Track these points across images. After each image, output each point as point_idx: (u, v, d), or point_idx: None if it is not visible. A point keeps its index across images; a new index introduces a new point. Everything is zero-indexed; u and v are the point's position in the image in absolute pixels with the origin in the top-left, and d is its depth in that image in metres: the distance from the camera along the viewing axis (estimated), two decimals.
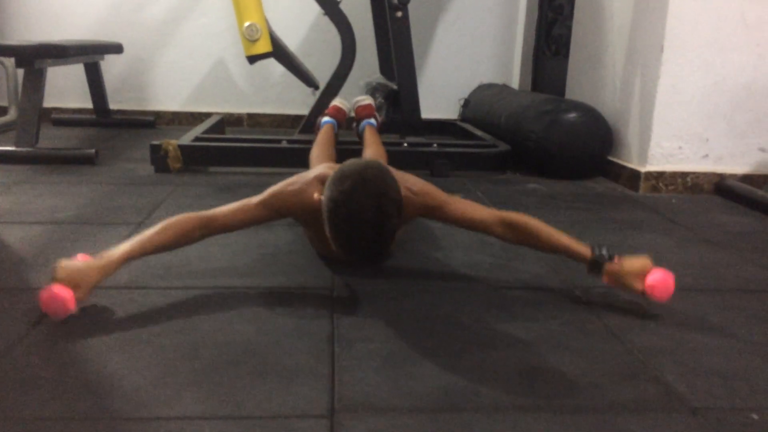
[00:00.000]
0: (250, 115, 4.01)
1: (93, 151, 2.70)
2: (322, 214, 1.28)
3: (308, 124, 2.95)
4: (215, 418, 0.96)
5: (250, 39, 2.76)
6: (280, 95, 3.98)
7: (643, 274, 1.37)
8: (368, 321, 1.31)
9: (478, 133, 3.24)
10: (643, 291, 1.37)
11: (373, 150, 2.24)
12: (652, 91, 2.50)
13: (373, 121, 2.56)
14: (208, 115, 3.89)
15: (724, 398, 1.07)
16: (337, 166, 1.52)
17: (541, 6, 3.85)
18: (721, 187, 2.53)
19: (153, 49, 3.89)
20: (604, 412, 1.01)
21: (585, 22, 3.15)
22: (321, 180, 1.44)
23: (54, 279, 1.23)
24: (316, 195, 1.36)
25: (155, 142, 2.59)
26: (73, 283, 1.23)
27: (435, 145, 2.78)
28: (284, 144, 2.73)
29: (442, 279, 1.56)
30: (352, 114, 2.67)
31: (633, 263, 1.39)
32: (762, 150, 2.57)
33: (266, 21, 2.81)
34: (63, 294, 1.21)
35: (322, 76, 3.15)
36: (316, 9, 3.07)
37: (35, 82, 2.74)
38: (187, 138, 2.75)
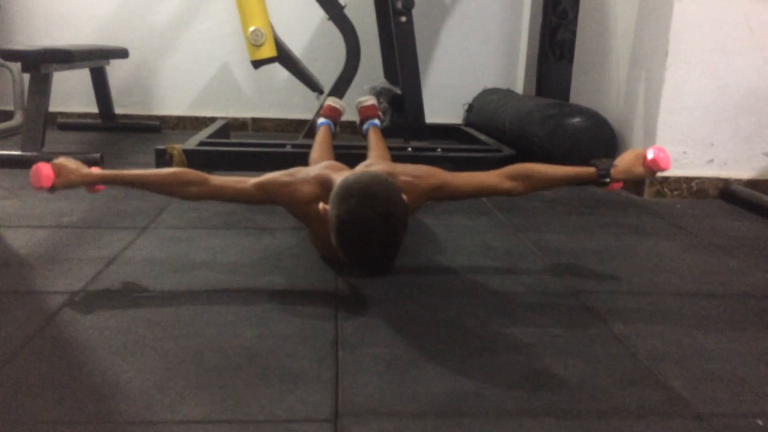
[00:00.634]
0: (255, 120, 4.02)
1: (98, 155, 2.71)
2: (327, 227, 1.30)
3: (313, 129, 2.96)
4: (219, 422, 0.96)
5: (254, 44, 2.77)
6: (285, 100, 3.99)
7: (640, 159, 1.54)
8: (372, 325, 1.31)
9: (483, 137, 3.24)
10: (649, 169, 1.52)
11: (377, 152, 2.25)
12: (657, 95, 2.50)
13: (376, 121, 2.56)
14: (212, 119, 3.90)
15: (728, 404, 1.06)
16: (336, 165, 1.55)
17: (545, 11, 3.85)
18: (726, 192, 2.53)
19: (158, 54, 3.91)
20: (608, 417, 1.01)
21: (589, 27, 3.15)
22: (319, 181, 1.47)
23: (49, 161, 1.48)
24: (321, 205, 1.36)
25: (160, 147, 2.60)
26: (57, 171, 1.46)
27: (439, 149, 2.79)
28: (289, 148, 2.73)
29: (446, 283, 1.56)
30: (353, 110, 2.67)
31: (628, 156, 1.57)
32: (767, 155, 2.57)
33: (271, 26, 2.82)
34: (45, 172, 1.44)
35: (327, 80, 3.16)
36: (321, 14, 3.08)
37: (41, 86, 2.75)
38: (192, 142, 2.76)
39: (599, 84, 3.00)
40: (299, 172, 1.52)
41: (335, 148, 2.34)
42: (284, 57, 2.92)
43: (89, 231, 1.85)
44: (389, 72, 3.33)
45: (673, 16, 2.41)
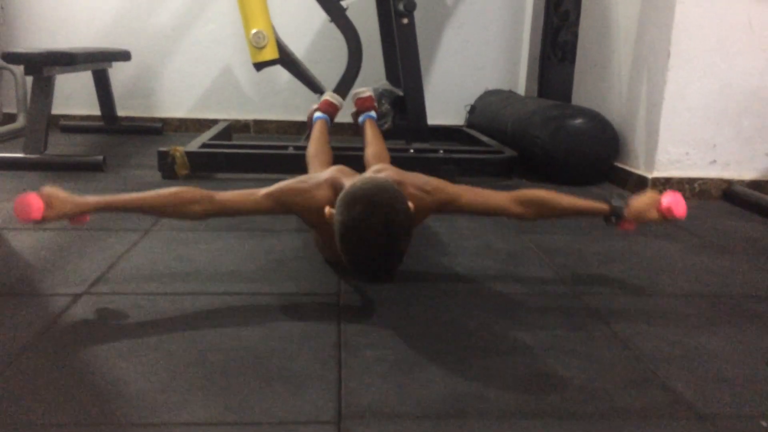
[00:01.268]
0: (257, 122, 4.03)
1: (101, 157, 2.72)
2: (333, 231, 1.29)
3: (309, 126, 2.95)
4: (222, 424, 0.96)
5: (256, 46, 2.77)
6: (287, 102, 4.00)
7: (655, 204, 1.50)
8: (375, 327, 1.31)
9: (485, 139, 3.24)
10: (663, 215, 1.48)
11: (373, 148, 2.24)
12: (659, 96, 2.50)
13: (373, 113, 2.55)
14: (214, 121, 3.91)
15: (732, 405, 1.06)
16: (346, 170, 1.52)
17: (546, 12, 3.85)
18: (728, 193, 2.53)
19: (160, 56, 3.92)
20: (611, 419, 1.01)
21: (591, 28, 3.15)
22: (332, 184, 1.45)
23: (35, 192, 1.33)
24: (327, 209, 1.36)
25: (162, 149, 2.60)
26: (47, 201, 1.32)
27: (441, 151, 2.79)
28: (291, 150, 2.73)
29: (449, 285, 1.56)
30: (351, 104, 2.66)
31: (643, 199, 1.52)
32: None
33: (273, 28, 2.82)
34: (34, 203, 1.29)
35: (329, 82, 3.16)
36: (323, 16, 3.08)
37: (44, 89, 2.76)
38: (194, 144, 2.76)
39: (601, 85, 3.00)
40: (310, 178, 1.49)
41: (335, 149, 2.34)
42: (286, 59, 2.92)
43: (93, 233, 1.85)
44: (391, 74, 3.33)
45: (675, 17, 2.41)
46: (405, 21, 2.95)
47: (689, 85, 2.47)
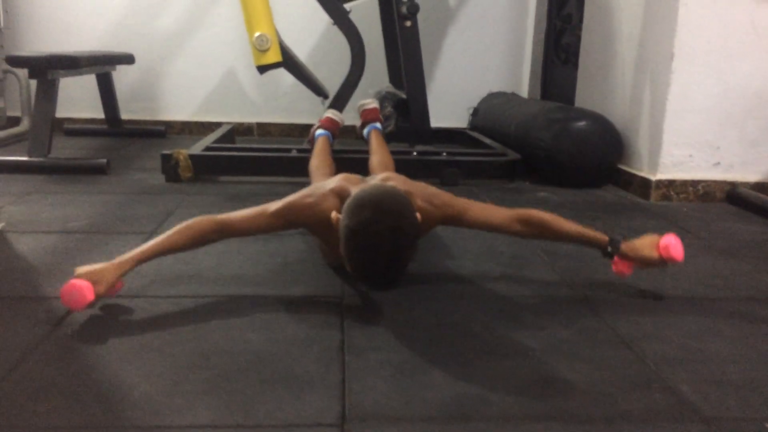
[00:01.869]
0: (260, 125, 4.03)
1: (104, 160, 2.72)
2: (339, 236, 1.29)
3: (311, 140, 2.96)
4: (226, 426, 0.96)
5: (260, 49, 2.78)
6: (290, 105, 4.00)
7: (654, 245, 1.49)
8: (378, 330, 1.31)
9: (488, 141, 3.24)
10: (660, 256, 1.47)
11: (379, 157, 2.24)
12: (662, 98, 2.50)
13: (378, 125, 2.57)
14: (218, 124, 3.91)
15: (736, 408, 1.06)
16: (353, 178, 1.52)
17: (549, 15, 3.85)
18: (732, 196, 2.52)
19: (164, 60, 3.93)
20: (616, 422, 1.01)
21: (594, 31, 3.15)
22: (337, 193, 1.44)
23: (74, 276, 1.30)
24: (333, 214, 1.36)
25: (166, 152, 2.61)
26: (92, 279, 1.30)
27: (444, 153, 2.79)
28: (294, 153, 2.74)
29: (452, 287, 1.56)
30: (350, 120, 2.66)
31: (643, 239, 1.52)
32: None
33: (276, 31, 2.83)
34: (81, 284, 1.27)
35: (332, 85, 3.17)
36: (326, 19, 3.09)
37: (48, 92, 2.76)
38: (197, 147, 2.77)
39: (604, 87, 3.00)
40: (316, 190, 1.48)
41: (336, 152, 2.34)
42: (289, 62, 2.92)
43: (96, 236, 1.86)
44: (394, 76, 3.33)
45: (678, 19, 2.41)
46: (408, 24, 2.96)
47: (693, 87, 2.46)
